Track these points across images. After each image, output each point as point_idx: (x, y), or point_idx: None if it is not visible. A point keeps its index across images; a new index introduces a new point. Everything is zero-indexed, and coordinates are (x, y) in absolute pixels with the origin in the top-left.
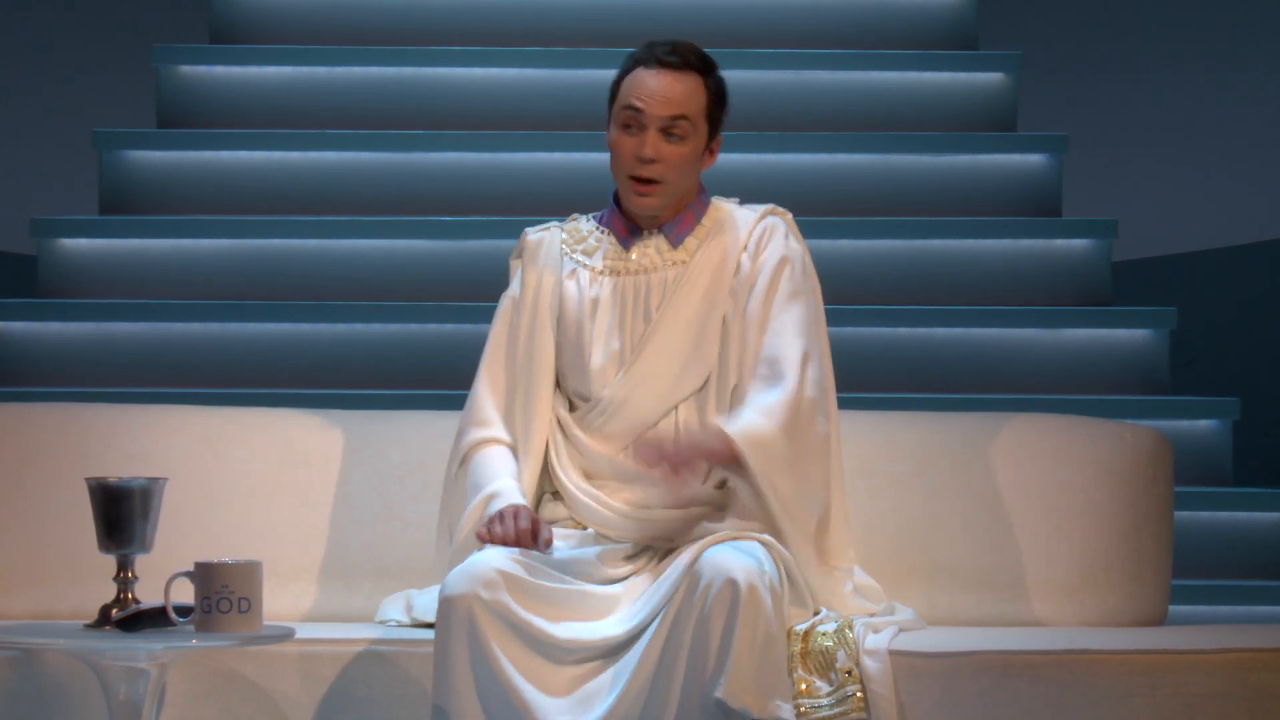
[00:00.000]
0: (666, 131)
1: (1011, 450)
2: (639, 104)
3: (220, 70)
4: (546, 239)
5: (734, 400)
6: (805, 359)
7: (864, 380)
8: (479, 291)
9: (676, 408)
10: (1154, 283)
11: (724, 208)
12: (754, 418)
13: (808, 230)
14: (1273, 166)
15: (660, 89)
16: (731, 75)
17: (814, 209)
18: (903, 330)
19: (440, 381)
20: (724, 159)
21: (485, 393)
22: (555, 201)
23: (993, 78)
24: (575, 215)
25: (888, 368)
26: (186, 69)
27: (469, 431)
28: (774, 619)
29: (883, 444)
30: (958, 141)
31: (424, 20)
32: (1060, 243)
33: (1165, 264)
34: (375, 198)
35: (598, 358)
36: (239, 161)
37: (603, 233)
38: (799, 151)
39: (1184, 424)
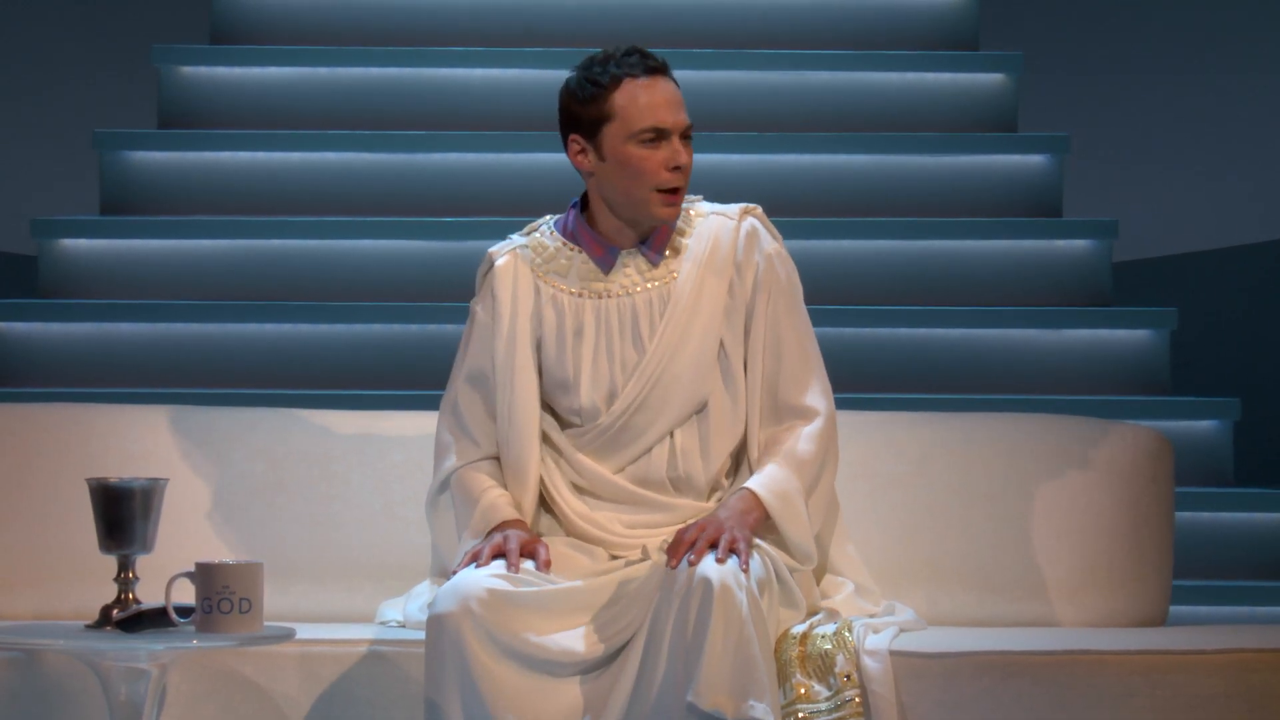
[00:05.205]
0: (684, 137)
1: (1012, 451)
2: (665, 119)
3: (221, 71)
4: (516, 262)
5: (762, 441)
6: (818, 379)
7: (864, 380)
8: None
9: (672, 433)
10: (1154, 283)
11: (694, 212)
12: (784, 474)
13: (809, 231)
14: (1273, 166)
15: (671, 98)
16: (732, 75)
17: (814, 209)
18: (903, 330)
19: (441, 382)
20: (725, 160)
21: (466, 421)
22: (555, 201)
23: (993, 78)
24: (533, 226)
25: (888, 368)
26: (187, 69)
27: (446, 458)
28: (749, 619)
29: (883, 444)
30: (958, 142)
31: (424, 20)
32: (1061, 243)
33: (1165, 264)
34: (375, 198)
35: (586, 386)
36: (239, 162)
37: (572, 250)
38: (799, 152)
39: (1185, 424)
